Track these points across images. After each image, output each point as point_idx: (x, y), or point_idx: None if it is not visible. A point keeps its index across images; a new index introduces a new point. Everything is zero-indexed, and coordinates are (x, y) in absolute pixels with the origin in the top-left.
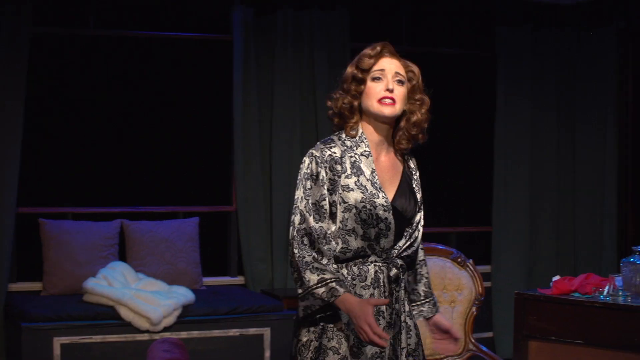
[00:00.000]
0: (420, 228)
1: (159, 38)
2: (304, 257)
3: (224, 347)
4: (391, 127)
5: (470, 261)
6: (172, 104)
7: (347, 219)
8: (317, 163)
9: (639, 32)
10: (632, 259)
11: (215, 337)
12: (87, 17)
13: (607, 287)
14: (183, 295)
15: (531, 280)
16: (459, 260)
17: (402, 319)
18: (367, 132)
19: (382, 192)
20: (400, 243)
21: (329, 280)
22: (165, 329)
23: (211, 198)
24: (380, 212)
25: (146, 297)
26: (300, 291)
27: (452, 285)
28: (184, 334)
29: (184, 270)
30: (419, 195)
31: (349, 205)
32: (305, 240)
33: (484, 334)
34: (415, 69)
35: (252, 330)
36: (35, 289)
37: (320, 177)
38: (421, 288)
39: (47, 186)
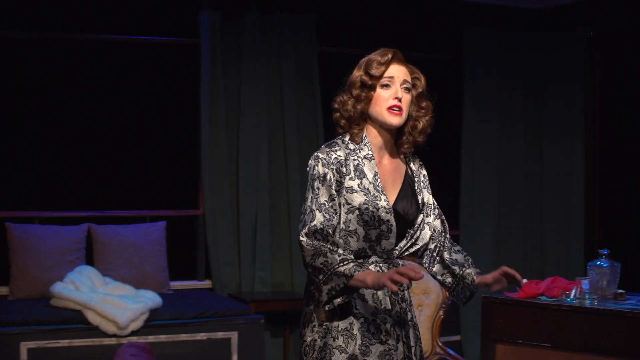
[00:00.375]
0: (426, 227)
1: (127, 42)
2: (321, 248)
3: (192, 351)
4: (394, 132)
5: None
6: (139, 108)
7: (349, 220)
8: (323, 165)
9: (606, 37)
10: (598, 262)
11: (183, 341)
12: (54, 20)
13: (573, 291)
14: (150, 299)
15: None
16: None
17: (409, 317)
18: (371, 136)
19: (384, 194)
20: (402, 244)
21: (350, 260)
22: (133, 333)
23: (178, 202)
24: (383, 215)
25: (113, 301)
26: (321, 277)
27: (419, 289)
28: (151, 338)
29: (151, 274)
30: (420, 197)
31: (352, 207)
32: (318, 236)
33: (451, 338)
34: (421, 75)
35: (219, 334)
36: (2, 294)
37: (328, 177)
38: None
39: (13, 190)
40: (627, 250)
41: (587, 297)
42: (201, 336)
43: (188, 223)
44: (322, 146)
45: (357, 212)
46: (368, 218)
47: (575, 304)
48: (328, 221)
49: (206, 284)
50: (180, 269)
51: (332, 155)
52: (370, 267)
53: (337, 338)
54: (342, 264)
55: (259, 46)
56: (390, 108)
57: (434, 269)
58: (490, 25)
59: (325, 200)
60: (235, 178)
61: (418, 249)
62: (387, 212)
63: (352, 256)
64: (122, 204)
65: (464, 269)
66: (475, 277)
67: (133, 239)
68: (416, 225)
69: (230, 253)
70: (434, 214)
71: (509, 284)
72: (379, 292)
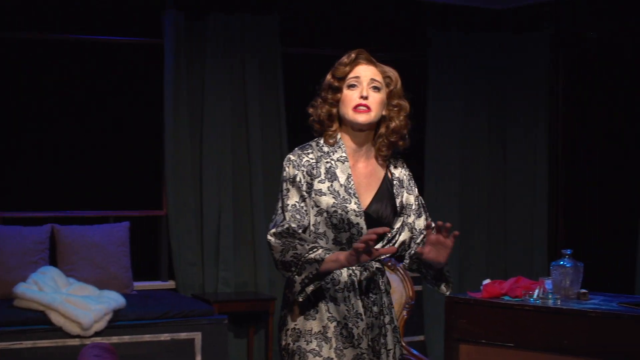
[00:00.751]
0: (405, 228)
1: (90, 42)
2: (290, 243)
3: (155, 351)
4: (370, 134)
5: (401, 265)
6: (103, 108)
7: (318, 223)
8: (294, 167)
9: (570, 37)
10: (561, 262)
11: (146, 341)
12: (17, 20)
13: (536, 290)
14: (114, 299)
15: (462, 284)
16: (390, 264)
17: (387, 321)
18: (345, 139)
19: (356, 197)
20: (377, 247)
21: (319, 246)
22: (96, 334)
23: (142, 202)
24: (352, 217)
25: (77, 302)
26: (293, 269)
27: None
28: (114, 339)
29: (114, 275)
30: (398, 200)
31: (321, 209)
32: (285, 234)
33: (415, 338)
34: (393, 74)
35: (183, 335)
36: None
37: (298, 179)
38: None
39: None
40: (590, 250)
41: (550, 297)
42: (165, 337)
43: (151, 223)
44: (296, 149)
45: (325, 214)
46: (337, 221)
47: (539, 303)
48: (298, 221)
49: (169, 284)
50: (143, 269)
51: (304, 157)
52: (342, 270)
53: (311, 342)
54: (311, 252)
55: (222, 47)
56: (356, 107)
57: (408, 263)
58: (454, 27)
59: (296, 201)
60: (199, 178)
61: (395, 252)
62: (357, 215)
63: (320, 245)
64: (85, 204)
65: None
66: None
67: (96, 239)
68: (395, 229)
69: (193, 253)
70: (415, 214)
71: (444, 236)
72: (350, 294)
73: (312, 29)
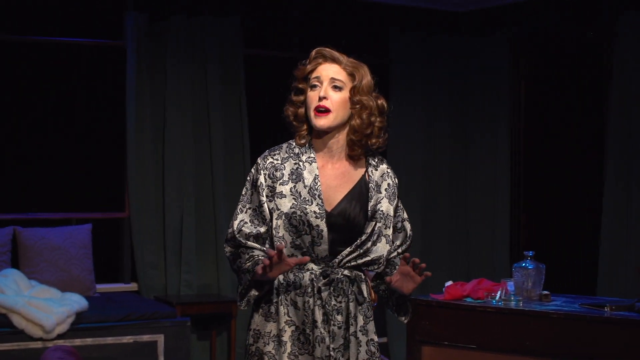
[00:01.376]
0: (383, 240)
1: (52, 43)
2: (237, 251)
3: (118, 354)
4: (342, 133)
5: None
6: (65, 110)
7: (278, 226)
8: (257, 170)
9: (530, 39)
10: (523, 264)
11: (109, 344)
12: None
13: (499, 292)
14: (76, 302)
15: (424, 286)
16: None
17: (351, 331)
18: (315, 140)
19: (320, 199)
20: (345, 252)
21: (256, 255)
22: (59, 337)
23: (104, 204)
24: (312, 219)
25: (39, 305)
26: (237, 278)
27: None
28: (77, 342)
29: (77, 277)
30: (371, 204)
31: (281, 212)
32: (233, 242)
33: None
34: (359, 69)
35: (145, 337)
36: None
37: (259, 183)
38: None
39: None
40: (552, 252)
41: (512, 298)
42: (127, 339)
43: (114, 225)
44: (267, 150)
45: (284, 217)
46: (297, 223)
47: (501, 305)
48: (248, 228)
49: (132, 286)
50: (106, 271)
51: (268, 159)
52: (305, 275)
53: (268, 344)
54: (247, 261)
55: (184, 49)
56: (316, 109)
57: (375, 284)
58: (415, 29)
59: (256, 207)
60: (161, 180)
61: (369, 261)
62: (317, 217)
63: (259, 252)
64: (47, 206)
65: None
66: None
67: (59, 241)
68: (366, 235)
69: (156, 256)
70: (395, 226)
71: (416, 272)
72: (310, 300)
73: (274, 31)
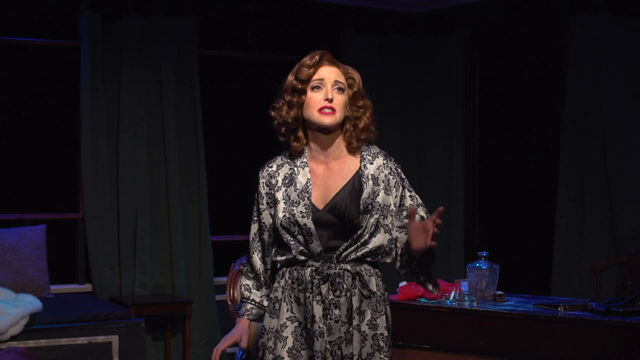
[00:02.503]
0: (381, 230)
1: (4, 43)
2: (245, 286)
3: (72, 355)
4: (337, 134)
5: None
6: (18, 110)
7: (277, 229)
8: (258, 182)
9: (485, 39)
10: (477, 264)
11: (63, 345)
12: None
13: (453, 293)
14: (30, 303)
15: None
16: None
17: (354, 324)
18: (311, 142)
19: (308, 200)
20: (342, 247)
21: (251, 303)
22: (13, 338)
23: (58, 205)
24: (299, 219)
25: None
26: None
27: None
28: (31, 343)
29: (31, 278)
30: (362, 197)
31: (277, 217)
32: (249, 275)
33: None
34: (356, 75)
35: (100, 338)
36: None
37: (258, 192)
38: None
39: None
40: (506, 252)
41: (466, 298)
42: (82, 340)
43: (68, 226)
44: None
45: (278, 221)
46: (287, 224)
47: (455, 305)
48: (261, 258)
49: (86, 287)
50: (60, 272)
51: (265, 170)
52: (306, 271)
53: (270, 339)
54: (244, 301)
55: (138, 49)
56: (322, 109)
57: (399, 266)
58: (369, 30)
59: (255, 231)
60: (115, 181)
61: (368, 252)
62: (303, 217)
63: (254, 302)
64: (0, 207)
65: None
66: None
67: (12, 242)
68: (362, 229)
69: (110, 256)
70: (397, 217)
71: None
72: (309, 295)
73: (228, 32)
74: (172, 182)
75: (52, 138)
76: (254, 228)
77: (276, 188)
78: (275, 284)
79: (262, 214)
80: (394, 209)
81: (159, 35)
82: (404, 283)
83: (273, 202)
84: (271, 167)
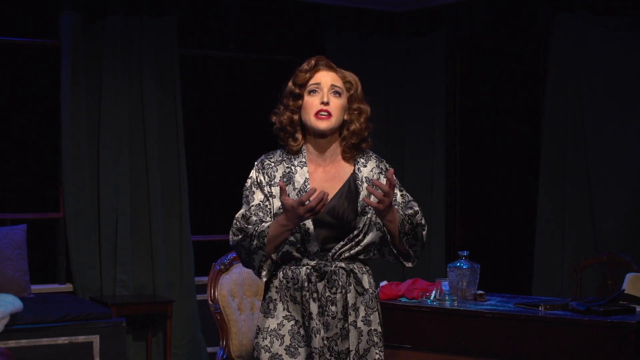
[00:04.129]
0: (374, 228)
1: None
2: (246, 229)
3: (53, 355)
4: (334, 138)
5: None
6: None
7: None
8: (257, 170)
9: (466, 39)
10: (458, 264)
11: (44, 345)
12: None
13: (433, 292)
14: (11, 303)
15: None
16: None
17: (350, 321)
18: (308, 145)
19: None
20: (337, 246)
21: (266, 225)
22: None
23: (39, 205)
24: None
25: None
26: (248, 248)
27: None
28: (12, 343)
29: (12, 278)
30: (360, 199)
31: (273, 213)
32: (244, 226)
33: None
34: (353, 79)
35: (81, 338)
36: None
37: (259, 181)
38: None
39: None
40: (487, 252)
41: (447, 298)
42: (62, 340)
43: (49, 226)
44: (263, 154)
45: (275, 217)
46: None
47: (435, 305)
48: (259, 217)
49: (67, 287)
50: (41, 272)
51: (265, 161)
52: (302, 270)
53: (266, 338)
54: (258, 227)
55: (120, 48)
56: (318, 113)
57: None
58: (352, 29)
59: (260, 200)
60: (96, 181)
61: (361, 250)
62: None
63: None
64: None
65: None
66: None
67: None
68: (359, 229)
69: (91, 256)
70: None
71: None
72: (307, 294)
73: (210, 32)
74: (153, 181)
75: (33, 137)
76: (257, 199)
77: (273, 182)
78: (270, 284)
79: (268, 200)
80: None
81: (141, 35)
82: (384, 283)
83: (271, 194)
84: (271, 159)
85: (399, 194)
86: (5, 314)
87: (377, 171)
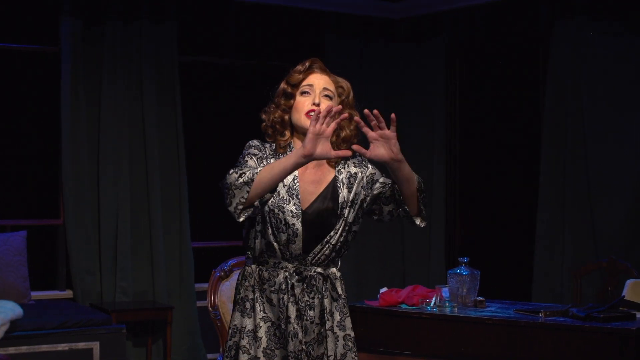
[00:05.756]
0: (349, 232)
1: None
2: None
3: None
4: None
5: None
6: None
7: (265, 219)
8: (256, 147)
9: (466, 45)
10: (458, 270)
11: (44, 352)
12: None
13: (434, 298)
14: (11, 310)
15: (359, 292)
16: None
17: (327, 327)
18: (297, 145)
19: (297, 199)
20: (316, 249)
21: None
22: None
23: (39, 211)
24: (289, 218)
25: None
26: (247, 175)
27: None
28: (12, 350)
29: (12, 285)
30: (339, 199)
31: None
32: (240, 173)
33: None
34: (345, 84)
35: (81, 345)
36: None
37: (256, 152)
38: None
39: None
40: (487, 258)
41: (447, 304)
42: (63, 347)
43: (49, 232)
44: (255, 139)
45: (266, 210)
46: (275, 220)
47: (436, 311)
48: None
49: (67, 293)
50: (41, 279)
51: (262, 144)
52: (280, 273)
53: (243, 338)
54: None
55: (119, 55)
56: (308, 113)
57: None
58: (352, 36)
59: (256, 162)
60: (96, 187)
61: (337, 251)
62: (293, 217)
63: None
64: None
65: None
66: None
67: None
68: (335, 230)
69: (91, 262)
70: (369, 190)
71: (381, 127)
72: (284, 297)
73: (210, 38)
74: (153, 187)
75: (33, 144)
76: (250, 162)
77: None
78: (244, 282)
79: (262, 165)
80: (363, 191)
81: (140, 41)
82: (384, 289)
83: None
84: (265, 147)
85: (377, 171)
86: (5, 320)
87: (357, 170)
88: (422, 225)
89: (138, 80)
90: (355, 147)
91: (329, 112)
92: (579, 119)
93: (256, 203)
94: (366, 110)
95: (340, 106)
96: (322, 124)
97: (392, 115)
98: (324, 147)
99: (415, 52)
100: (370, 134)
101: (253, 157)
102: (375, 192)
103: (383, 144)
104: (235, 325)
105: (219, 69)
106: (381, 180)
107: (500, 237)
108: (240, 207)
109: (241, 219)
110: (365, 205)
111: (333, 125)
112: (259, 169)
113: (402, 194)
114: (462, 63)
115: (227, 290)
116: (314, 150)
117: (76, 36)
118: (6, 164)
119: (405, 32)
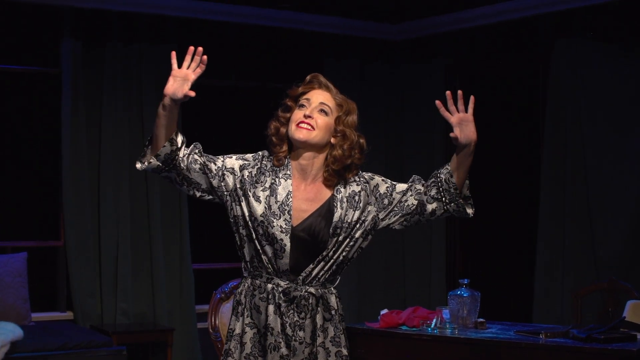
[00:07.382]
0: (346, 242)
1: None
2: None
3: None
4: (319, 159)
5: None
6: (0, 138)
7: (250, 227)
8: (253, 165)
9: (466, 66)
10: (459, 292)
11: None
12: None
13: (434, 320)
14: (11, 331)
15: (359, 314)
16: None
17: (319, 343)
18: (292, 160)
19: (289, 215)
20: (308, 269)
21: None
22: None
23: (39, 233)
24: (277, 233)
25: None
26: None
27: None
28: None
29: (12, 306)
30: (335, 220)
31: (251, 214)
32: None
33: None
34: (345, 102)
35: None
36: None
37: (241, 170)
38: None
39: None
40: (487, 280)
41: (447, 326)
42: None
43: (49, 254)
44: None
45: (255, 220)
46: (263, 232)
47: (436, 333)
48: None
49: (68, 315)
50: (41, 300)
51: (257, 158)
52: (268, 285)
53: (231, 341)
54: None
55: (120, 76)
56: (298, 124)
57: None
58: (351, 57)
59: (217, 167)
60: (97, 209)
61: (335, 270)
62: (282, 232)
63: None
64: None
65: (439, 175)
66: (448, 164)
67: None
68: (328, 249)
69: (91, 284)
70: (379, 206)
71: (461, 110)
72: (271, 307)
73: (209, 59)
74: (154, 209)
75: (34, 165)
76: (219, 162)
77: (262, 188)
78: (240, 288)
79: (224, 162)
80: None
81: (140, 63)
82: (385, 311)
83: (243, 189)
84: (264, 162)
85: (380, 180)
86: (6, 342)
87: (357, 189)
88: (472, 214)
89: (138, 101)
90: (444, 112)
91: (192, 54)
92: (579, 140)
93: (152, 160)
94: (448, 92)
95: (200, 47)
96: (187, 67)
97: (472, 97)
98: (176, 87)
99: (415, 73)
100: (452, 119)
101: (227, 158)
102: (404, 201)
103: (464, 127)
104: (230, 327)
105: (219, 91)
106: (398, 189)
107: (501, 258)
108: (142, 159)
109: (137, 165)
110: (382, 220)
111: (198, 70)
112: (226, 169)
113: (458, 178)
114: (462, 84)
115: (227, 312)
116: (168, 90)
117: (77, 58)
118: (7, 185)
119: (405, 54)
